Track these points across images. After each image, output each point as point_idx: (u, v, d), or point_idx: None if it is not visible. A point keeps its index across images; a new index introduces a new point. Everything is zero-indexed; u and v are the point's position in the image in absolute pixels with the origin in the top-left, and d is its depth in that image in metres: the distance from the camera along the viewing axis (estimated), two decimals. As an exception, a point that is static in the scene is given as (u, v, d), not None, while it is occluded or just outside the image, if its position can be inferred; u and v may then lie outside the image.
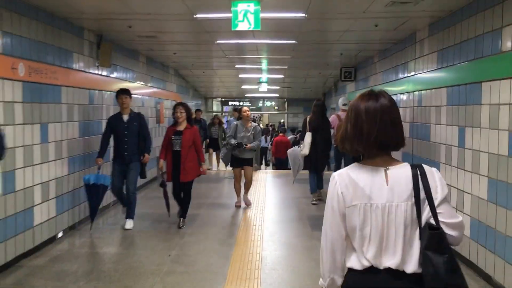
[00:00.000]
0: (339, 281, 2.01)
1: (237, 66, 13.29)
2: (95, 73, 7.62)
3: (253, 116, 29.31)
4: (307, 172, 9.15)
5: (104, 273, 5.08)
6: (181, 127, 6.94)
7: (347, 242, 2.00)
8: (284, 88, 20.39)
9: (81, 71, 7.03)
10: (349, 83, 13.53)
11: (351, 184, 1.96)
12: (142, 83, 10.54)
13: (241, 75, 15.68)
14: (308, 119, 8.84)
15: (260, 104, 27.19)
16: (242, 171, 8.43)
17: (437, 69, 6.28)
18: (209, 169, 13.75)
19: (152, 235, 6.61)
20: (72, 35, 6.74)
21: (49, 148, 6.01)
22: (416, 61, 7.22)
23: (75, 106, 6.80)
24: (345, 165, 10.28)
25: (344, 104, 10.63)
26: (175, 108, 7.02)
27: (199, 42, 9.08)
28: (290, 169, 9.79)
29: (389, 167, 1.97)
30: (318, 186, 8.93)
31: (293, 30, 7.61)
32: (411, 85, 7.43)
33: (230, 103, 26.35)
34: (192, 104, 16.95)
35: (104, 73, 8.03)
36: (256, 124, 8.65)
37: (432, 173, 1.95)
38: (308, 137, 8.63)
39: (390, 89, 8.61)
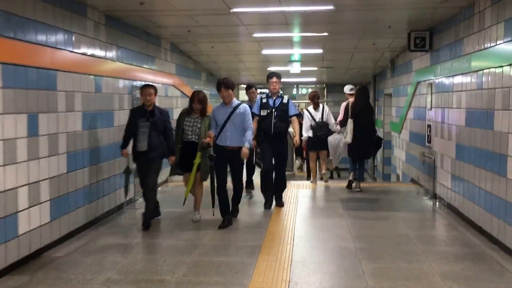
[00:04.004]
0: None
1: (255, 34, 9.28)
2: None
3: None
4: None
5: None
6: None
7: None
8: (323, 69, 15.78)
9: None
10: (419, 56, 9.37)
11: None
12: (93, 54, 6.54)
13: (264, 51, 11.50)
14: (350, 104, 8.64)
15: (294, 92, 22.92)
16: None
17: None
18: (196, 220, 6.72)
19: None
20: None
21: None
22: None
23: None
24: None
25: (351, 89, 9.53)
26: None
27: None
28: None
29: None
30: (359, 178, 8.77)
31: None
32: None
33: (258, 90, 22.04)
34: (208, 92, 12.56)
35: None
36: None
37: None
38: (350, 123, 8.45)
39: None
